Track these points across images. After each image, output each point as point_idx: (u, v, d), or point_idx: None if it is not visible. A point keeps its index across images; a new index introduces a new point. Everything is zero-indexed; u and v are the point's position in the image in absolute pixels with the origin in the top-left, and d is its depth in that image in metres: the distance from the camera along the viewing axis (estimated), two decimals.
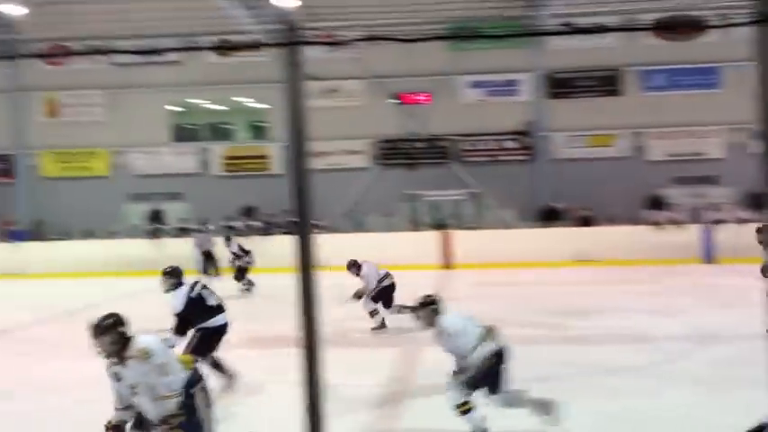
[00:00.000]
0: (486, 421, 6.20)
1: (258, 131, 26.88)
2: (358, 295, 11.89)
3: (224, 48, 20.58)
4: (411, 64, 23.56)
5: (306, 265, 2.45)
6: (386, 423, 7.06)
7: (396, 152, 25.50)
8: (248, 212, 23.97)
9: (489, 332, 6.30)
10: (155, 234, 22.86)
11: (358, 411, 7.13)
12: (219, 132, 26.95)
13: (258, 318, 13.48)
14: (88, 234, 22.86)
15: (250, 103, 26.59)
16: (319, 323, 2.52)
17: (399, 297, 11.79)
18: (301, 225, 2.50)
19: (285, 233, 22.81)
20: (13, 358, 10.58)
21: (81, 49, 22.73)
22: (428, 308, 6.39)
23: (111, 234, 23.16)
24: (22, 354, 10.83)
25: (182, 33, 18.47)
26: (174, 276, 7.79)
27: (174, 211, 25.04)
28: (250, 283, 16.79)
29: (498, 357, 6.23)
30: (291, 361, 9.22)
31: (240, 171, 25.88)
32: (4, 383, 8.76)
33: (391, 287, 11.99)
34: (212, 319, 7.79)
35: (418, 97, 25.31)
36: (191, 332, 7.74)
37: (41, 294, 18.21)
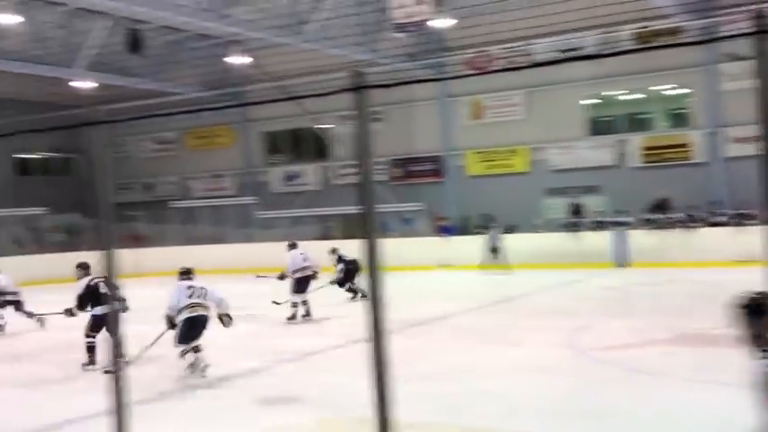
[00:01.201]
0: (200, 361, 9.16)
1: (678, 119, 25.63)
2: (281, 277, 14.33)
3: (695, 42, 19.19)
4: None
5: None
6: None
7: None
8: (661, 206, 22.85)
9: (189, 306, 9.21)
10: (573, 227, 23.15)
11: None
12: (636, 122, 26.25)
13: (682, 313, 12.97)
14: (510, 228, 23.93)
15: (669, 90, 25.47)
16: None
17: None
18: None
19: (711, 225, 21.42)
20: (440, 344, 11.40)
21: (500, 67, 23.90)
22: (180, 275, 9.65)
23: (533, 228, 24.00)
24: (451, 341, 11.69)
25: (600, 26, 18.35)
26: (82, 269, 10.38)
27: (591, 205, 25.07)
28: (354, 291, 16.32)
29: (190, 323, 9.15)
30: (719, 360, 8.68)
31: (659, 161, 24.90)
32: (432, 368, 9.46)
33: (305, 279, 13.88)
34: (101, 307, 9.67)
35: None
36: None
37: (470, 285, 19.63)
